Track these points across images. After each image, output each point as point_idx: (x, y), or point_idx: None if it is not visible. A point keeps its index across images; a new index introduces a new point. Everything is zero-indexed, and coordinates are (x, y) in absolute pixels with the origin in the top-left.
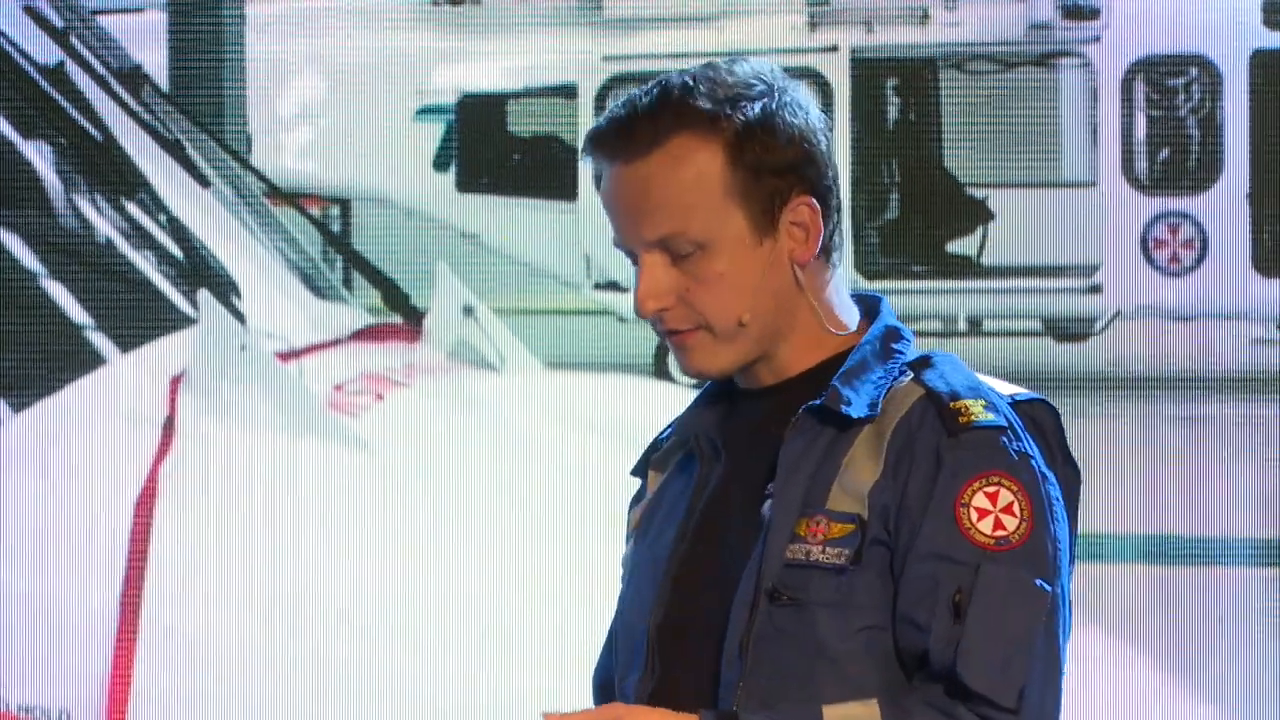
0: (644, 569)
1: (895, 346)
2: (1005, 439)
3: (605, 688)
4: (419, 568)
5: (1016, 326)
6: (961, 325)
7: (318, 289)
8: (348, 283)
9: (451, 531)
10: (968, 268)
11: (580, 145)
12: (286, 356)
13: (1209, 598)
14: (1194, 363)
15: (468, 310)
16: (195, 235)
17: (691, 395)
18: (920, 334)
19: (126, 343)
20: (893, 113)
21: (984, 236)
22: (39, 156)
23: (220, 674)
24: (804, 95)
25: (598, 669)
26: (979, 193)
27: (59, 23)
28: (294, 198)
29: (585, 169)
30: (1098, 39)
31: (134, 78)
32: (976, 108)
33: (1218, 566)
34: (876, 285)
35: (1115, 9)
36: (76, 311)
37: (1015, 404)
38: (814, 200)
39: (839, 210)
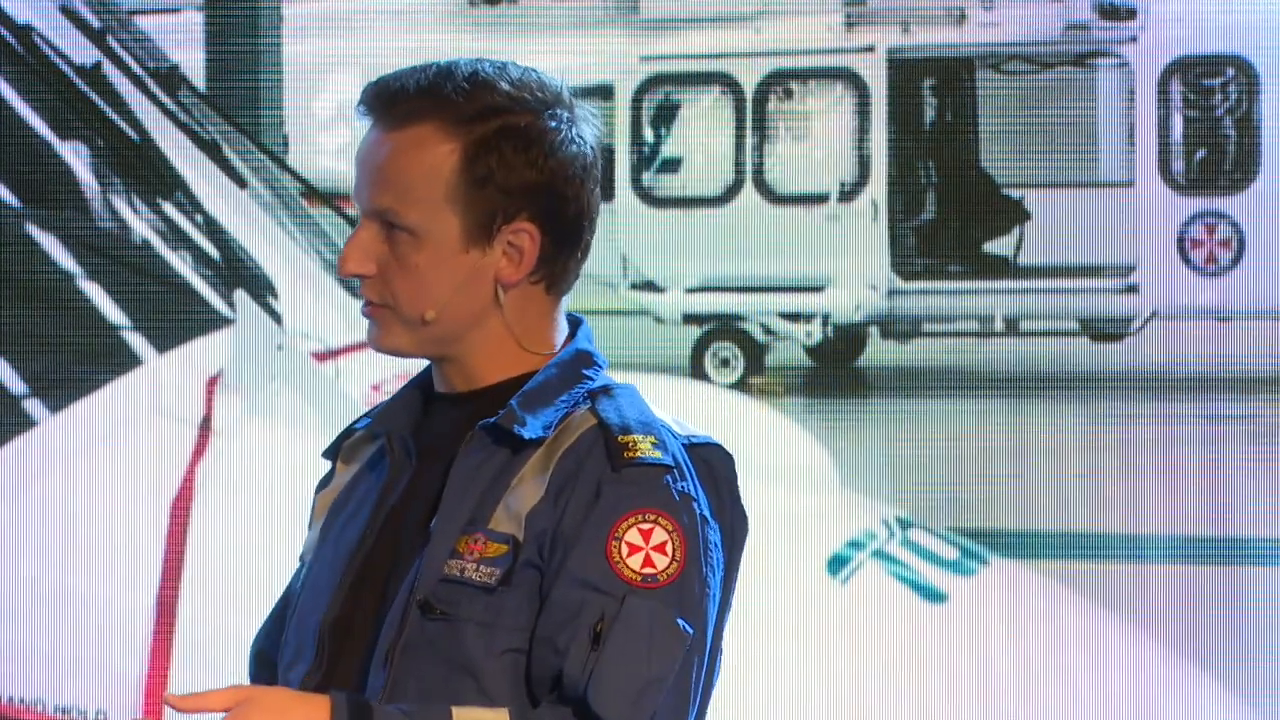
0: (325, 563)
1: (584, 372)
2: (669, 478)
3: (261, 657)
4: None
5: (1053, 326)
6: (998, 325)
7: (354, 289)
8: None
9: None
10: (1004, 268)
11: (359, 97)
12: (323, 357)
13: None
14: (1231, 362)
15: None
16: (232, 235)
17: (722, 395)
18: (956, 334)
19: (163, 343)
20: (929, 113)
21: (1020, 236)
22: (76, 157)
23: None
24: (588, 127)
25: (257, 638)
26: (1015, 193)
27: (96, 23)
28: (331, 198)
29: (622, 169)
30: (1134, 39)
31: (171, 78)
32: (1013, 108)
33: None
34: (913, 285)
35: (1152, 9)
36: (113, 312)
37: (690, 446)
38: (538, 229)
39: (578, 249)
